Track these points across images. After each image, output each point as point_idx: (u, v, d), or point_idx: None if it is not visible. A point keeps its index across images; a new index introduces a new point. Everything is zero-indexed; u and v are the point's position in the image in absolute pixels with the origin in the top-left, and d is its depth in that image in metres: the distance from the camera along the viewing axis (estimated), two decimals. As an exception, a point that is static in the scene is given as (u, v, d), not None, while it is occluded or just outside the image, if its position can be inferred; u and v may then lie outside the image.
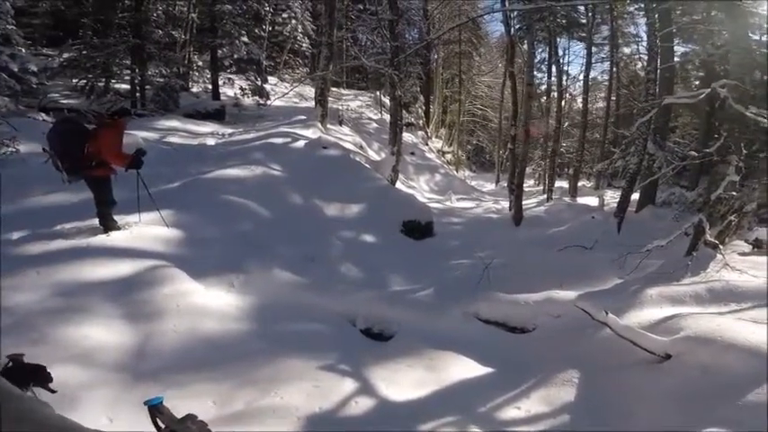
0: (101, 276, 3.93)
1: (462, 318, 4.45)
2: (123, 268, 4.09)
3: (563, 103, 18.28)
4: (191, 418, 0.93)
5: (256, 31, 15.12)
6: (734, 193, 5.13)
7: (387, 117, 14.74)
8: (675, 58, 11.67)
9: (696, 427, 2.45)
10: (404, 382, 3.45)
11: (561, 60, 18.13)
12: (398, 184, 10.77)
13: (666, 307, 3.85)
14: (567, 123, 20.11)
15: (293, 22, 17.33)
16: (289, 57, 18.78)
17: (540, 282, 4.91)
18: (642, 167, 9.34)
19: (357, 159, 9.88)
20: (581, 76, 16.05)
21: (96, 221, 4.66)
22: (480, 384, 3.49)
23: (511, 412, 3.15)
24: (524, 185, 11.00)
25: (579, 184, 15.68)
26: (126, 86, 11.18)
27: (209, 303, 4.05)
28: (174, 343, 3.50)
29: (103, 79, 10.69)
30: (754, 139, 5.57)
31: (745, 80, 5.14)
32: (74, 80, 10.57)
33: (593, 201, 11.73)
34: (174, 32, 13.38)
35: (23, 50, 7.39)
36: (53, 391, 1.05)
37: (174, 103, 11.34)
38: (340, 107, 15.89)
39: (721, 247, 4.76)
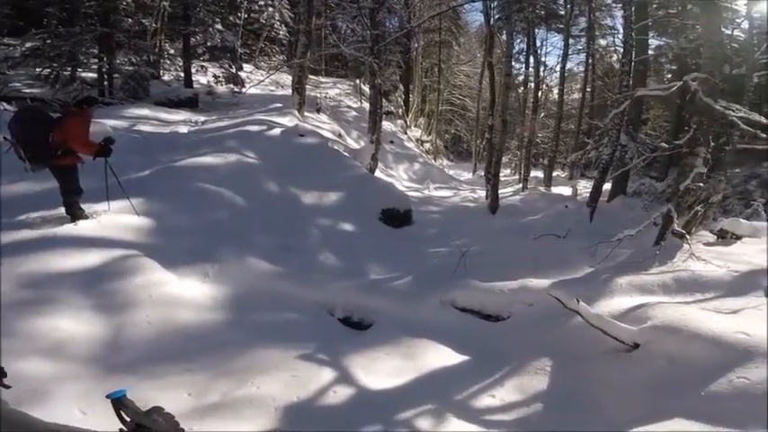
0: (69, 267, 3.81)
1: (439, 306, 4.49)
2: (92, 258, 3.97)
3: (539, 93, 18.52)
4: (157, 410, 0.90)
5: (231, 18, 14.71)
6: (701, 185, 5.29)
7: (366, 105, 14.62)
8: (650, 51, 11.98)
9: (663, 416, 2.52)
10: (382, 370, 3.46)
11: (539, 51, 18.36)
12: (377, 173, 10.74)
13: (635, 296, 3.95)
14: (543, 114, 20.42)
15: (270, 9, 16.86)
16: (265, 44, 18.31)
17: (515, 270, 5.00)
18: (615, 158, 9.59)
19: (335, 147, 9.78)
20: (558, 68, 16.33)
21: (63, 211, 4.51)
22: (457, 372, 3.54)
23: (486, 400, 3.20)
24: (501, 175, 11.18)
25: (554, 173, 16.03)
26: (93, 75, 10.81)
27: (183, 293, 3.98)
28: (147, 334, 3.43)
29: (69, 68, 10.34)
30: (722, 132, 5.76)
31: (716, 74, 5.29)
32: (37, 69, 10.14)
33: (566, 190, 12.01)
34: (144, 21, 12.89)
35: None
36: (7, 387, 0.99)
37: (144, 91, 11.07)
38: (318, 95, 15.65)
39: (688, 237, 4.91)
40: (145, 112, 9.47)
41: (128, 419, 0.86)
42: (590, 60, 17.09)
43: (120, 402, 0.87)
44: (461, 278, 4.98)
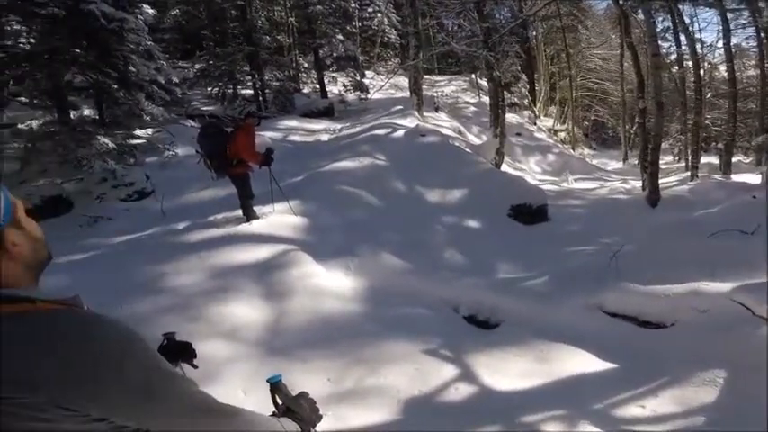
0: (245, 260, 4.54)
1: (583, 309, 4.06)
2: (262, 252, 4.68)
3: (702, 72, 15.45)
4: (303, 395, 0.99)
5: (348, 28, 15.72)
6: None
7: (485, 99, 14.12)
8: None
9: None
10: (509, 371, 3.33)
11: (690, 28, 15.34)
12: (504, 167, 10.27)
13: None
14: (710, 94, 17.02)
15: (379, 15, 17.58)
16: (381, 49, 19.14)
17: (683, 272, 4.18)
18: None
19: (456, 144, 9.68)
20: (719, 44, 13.41)
21: (240, 212, 5.44)
22: (598, 379, 3.20)
23: (633, 410, 2.84)
24: (661, 162, 9.57)
25: (733, 159, 13.15)
26: (250, 91, 12.45)
27: (329, 285, 4.43)
28: (300, 321, 3.87)
29: (231, 86, 12.08)
30: None
31: None
32: (208, 88, 12.13)
33: (752, 178, 9.73)
34: (279, 37, 14.55)
35: (164, 64, 8.23)
36: (196, 367, 1.17)
37: (291, 104, 12.51)
38: (434, 94, 15.70)
39: None
40: (293, 123, 10.80)
41: (280, 402, 0.96)
42: (761, 34, 13.59)
43: (275, 386, 0.97)
44: (612, 280, 4.38)
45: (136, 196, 6.84)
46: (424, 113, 12.37)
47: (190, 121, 9.46)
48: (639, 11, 11.84)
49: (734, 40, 14.53)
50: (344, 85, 15.05)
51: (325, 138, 9.93)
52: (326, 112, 12.77)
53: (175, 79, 8.97)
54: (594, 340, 3.61)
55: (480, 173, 8.07)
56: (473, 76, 19.17)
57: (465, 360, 3.43)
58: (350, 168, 7.27)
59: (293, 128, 10.40)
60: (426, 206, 7.01)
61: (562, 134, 19.98)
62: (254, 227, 5.21)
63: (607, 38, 22.96)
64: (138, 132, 7.80)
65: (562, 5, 18.38)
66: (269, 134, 8.55)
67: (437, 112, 14.05)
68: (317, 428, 1.00)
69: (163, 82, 7.79)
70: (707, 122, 16.19)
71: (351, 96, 14.79)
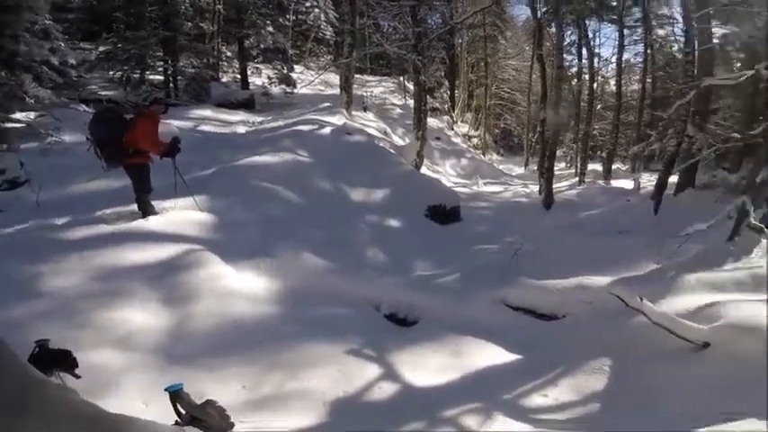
0: (139, 260, 4.09)
1: (489, 304, 4.39)
2: (161, 252, 4.25)
3: (595, 85, 17.59)
4: (210, 403, 0.93)
5: (280, 20, 15.17)
6: (779, 176, 4.80)
7: (411, 102, 14.57)
8: (714, 40, 11.03)
9: (733, 417, 2.34)
10: (428, 367, 3.45)
11: (592, 43, 17.45)
12: (424, 169, 10.69)
13: (706, 293, 3.67)
14: (599, 106, 19.36)
15: (316, 10, 17.29)
16: (313, 45, 18.79)
17: (572, 268, 4.77)
18: (681, 150, 8.90)
19: (381, 145, 9.86)
20: (613, 59, 15.42)
21: (135, 207, 4.89)
22: (506, 371, 3.46)
23: (538, 400, 3.11)
24: (555, 169, 10.69)
25: (613, 167, 15.15)
26: (160, 77, 11.48)
27: (240, 287, 4.15)
28: (207, 326, 3.59)
29: (138, 71, 11.03)
30: (800, 121, 5.20)
31: None
32: (110, 72, 10.95)
33: (628, 184, 11.29)
34: (202, 24, 13.62)
35: (62, 44, 7.58)
36: (78, 377, 1.06)
37: (206, 92, 11.62)
38: (364, 93, 15.81)
39: (766, 231, 4.48)
40: (207, 113, 10.01)
41: (183, 412, 0.89)
42: (648, 51, 15.99)
43: (176, 395, 0.90)
44: (513, 276, 4.83)
45: (6, 186, 5.91)
46: (353, 112, 12.35)
47: (83, 105, 8.42)
48: (553, 24, 13.07)
49: (626, 56, 16.55)
50: (269, 78, 14.41)
51: (242, 130, 9.35)
52: (246, 104, 12.10)
53: (72, 61, 7.98)
54: (501, 333, 3.92)
55: (402, 174, 8.30)
56: (401, 78, 19.56)
57: (387, 358, 3.49)
58: (269, 163, 6.96)
59: (206, 117, 9.64)
60: (350, 205, 7.01)
61: (475, 140, 21.32)
62: (150, 224, 4.70)
63: (522, 49, 24.96)
64: (18, 116, 6.90)
65: (488, 15, 19.63)
66: (176, 123, 7.84)
67: (365, 111, 14.11)
68: None
69: (57, 63, 7.08)
70: (595, 132, 18.34)
71: (275, 89, 14.22)
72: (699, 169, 9.84)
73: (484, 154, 20.39)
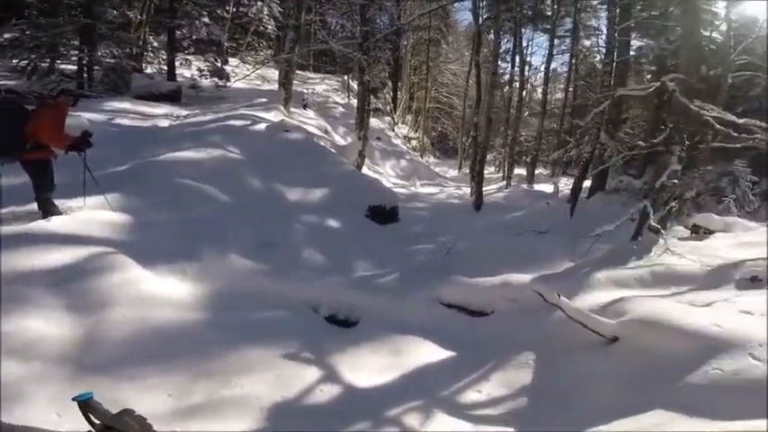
0: (41, 264, 3.67)
1: (426, 302, 4.52)
2: (66, 255, 3.84)
3: (524, 93, 18.76)
4: (127, 412, 0.88)
5: (219, 12, 14.52)
6: (676, 182, 5.45)
7: (354, 102, 14.55)
8: (631, 52, 12.25)
9: (642, 408, 2.57)
10: (369, 367, 3.47)
11: (525, 51, 18.59)
12: (364, 169, 10.74)
13: (614, 290, 4.05)
14: (527, 113, 20.69)
15: (259, 3, 16.65)
16: (252, 38, 18.09)
17: (499, 266, 5.06)
18: (594, 156, 9.79)
19: (321, 144, 9.74)
20: (542, 67, 16.53)
21: (35, 206, 4.37)
22: (443, 369, 3.57)
23: (472, 396, 3.24)
24: (485, 172, 11.28)
25: (536, 171, 16.27)
26: (73, 67, 10.47)
27: (162, 292, 3.88)
28: (123, 334, 3.33)
29: (48, 60, 10.02)
30: (697, 132, 5.91)
31: (693, 75, 5.44)
32: (14, 60, 9.81)
33: (548, 188, 12.20)
34: (129, 12, 12.61)
35: None
36: None
37: (125, 84, 10.81)
38: (305, 90, 15.50)
39: (663, 232, 5.07)
40: (125, 105, 9.25)
41: (96, 422, 0.85)
42: (574, 61, 17.39)
43: (86, 404, 0.85)
44: (447, 275, 5.01)
45: None
46: (292, 109, 12.04)
47: None
48: (492, 31, 13.68)
49: (553, 65, 17.88)
50: (200, 70, 13.63)
51: (164, 124, 8.69)
52: (171, 97, 11.34)
53: None
54: (437, 331, 4.05)
55: (343, 173, 8.26)
56: (346, 77, 19.43)
57: (327, 360, 3.46)
58: (194, 159, 6.56)
59: (124, 110, 8.85)
60: (286, 204, 6.82)
61: (414, 142, 21.84)
62: (53, 225, 4.23)
63: (461, 54, 25.91)
64: None
65: (434, 18, 20.10)
66: (89, 115, 7.12)
67: (305, 108, 13.82)
68: None
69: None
70: (521, 138, 19.59)
71: (206, 82, 13.47)
72: (609, 174, 10.93)
73: (422, 156, 20.95)
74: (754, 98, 11.82)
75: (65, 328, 3.22)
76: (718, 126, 5.11)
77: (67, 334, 3.19)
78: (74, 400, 0.85)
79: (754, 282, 3.82)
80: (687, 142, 5.46)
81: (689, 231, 6.04)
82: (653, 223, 5.07)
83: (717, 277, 4.04)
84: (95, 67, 10.56)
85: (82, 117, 6.60)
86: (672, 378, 2.70)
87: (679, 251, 4.70)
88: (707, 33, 9.54)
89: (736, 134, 5.14)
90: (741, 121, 5.10)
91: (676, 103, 5.22)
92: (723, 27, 9.72)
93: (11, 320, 3.09)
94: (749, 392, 2.37)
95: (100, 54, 10.62)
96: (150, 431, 0.88)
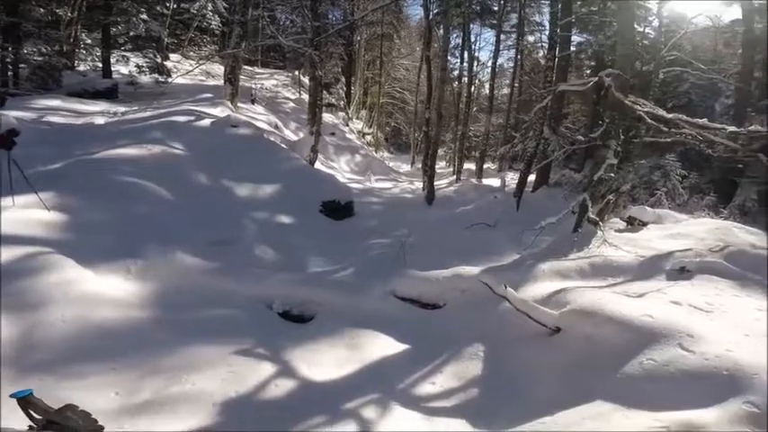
0: None
1: (381, 296, 4.58)
2: None
3: (473, 88, 19.24)
4: (70, 408, 0.89)
5: (158, 8, 13.77)
6: (612, 175, 5.76)
7: (306, 97, 14.29)
8: (572, 48, 12.87)
9: (584, 399, 2.69)
10: (325, 362, 3.49)
11: (473, 47, 19.01)
12: (318, 165, 10.62)
13: (556, 281, 4.24)
14: (475, 108, 21.27)
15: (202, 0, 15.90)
16: (195, 34, 17.28)
17: (450, 258, 5.22)
18: (538, 151, 10.25)
19: (271, 139, 9.50)
20: (489, 63, 17.01)
21: None
22: (399, 362, 3.64)
23: (427, 388, 3.32)
24: (437, 167, 11.52)
25: (485, 166, 16.79)
26: None
27: (103, 291, 3.77)
28: (64, 333, 3.24)
29: None
30: (631, 126, 6.26)
31: (627, 70, 5.71)
32: None
33: (496, 182, 12.66)
34: (59, 10, 11.75)
35: None
36: None
37: (56, 81, 10.30)
38: (253, 86, 15.03)
39: (601, 224, 5.37)
40: (56, 103, 8.66)
41: (38, 417, 0.85)
42: (519, 56, 18.00)
43: (26, 400, 0.85)
44: (401, 268, 5.10)
45: None
46: (239, 105, 11.64)
47: None
48: (441, 26, 13.83)
49: (500, 60, 18.29)
50: (138, 66, 12.86)
51: (100, 121, 8.15)
52: (107, 93, 10.79)
53: None
54: (392, 324, 4.13)
55: (294, 169, 8.14)
56: (296, 72, 19.02)
57: (282, 356, 3.45)
58: (133, 156, 6.27)
59: (55, 108, 8.26)
60: (235, 201, 6.63)
61: (369, 137, 21.83)
62: None
63: (413, 50, 26.06)
64: None
65: (387, 13, 20.02)
66: (15, 113, 6.56)
67: (253, 104, 13.42)
68: None
69: None
70: (470, 133, 20.11)
71: (146, 78, 12.73)
72: (552, 169, 11.50)
73: (376, 151, 21.00)
74: (682, 94, 12.86)
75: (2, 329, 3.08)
76: (650, 121, 5.36)
77: (4, 335, 3.06)
78: (12, 396, 0.86)
79: (682, 272, 4.03)
80: (622, 137, 5.78)
81: (625, 223, 6.42)
82: (592, 216, 5.36)
83: (649, 268, 4.26)
84: (21, 65, 9.97)
85: (7, 115, 6.06)
86: (610, 368, 2.82)
87: (616, 243, 4.97)
88: (641, 29, 10.18)
89: (666, 129, 5.40)
90: (670, 116, 5.39)
91: (612, 98, 5.45)
92: (655, 23, 10.37)
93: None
94: (680, 382, 2.51)
95: (26, 52, 10.06)
96: (95, 426, 0.90)
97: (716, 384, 2.39)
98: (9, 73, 9.72)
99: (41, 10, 10.96)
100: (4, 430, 0.71)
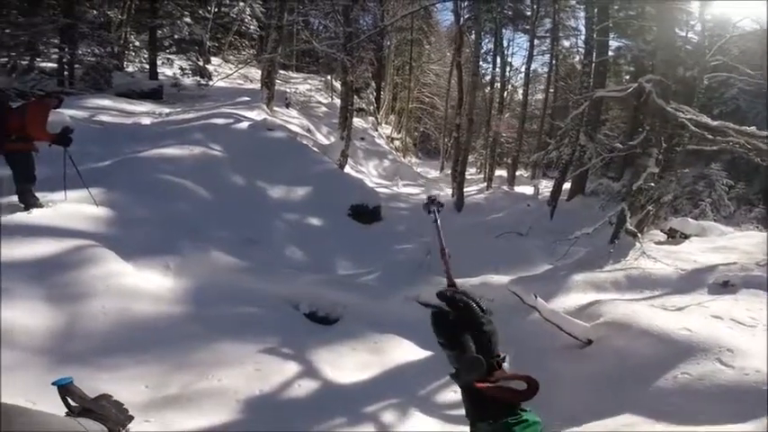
0: (21, 256, 3.64)
1: (404, 302, 4.55)
2: (46, 247, 3.82)
3: (505, 94, 18.91)
4: (105, 397, 0.90)
5: (201, 12, 14.45)
6: (653, 185, 5.52)
7: (337, 102, 14.53)
8: (610, 53, 12.44)
9: (612, 412, 2.62)
10: (348, 365, 3.50)
11: (506, 52, 18.71)
12: (347, 169, 10.73)
13: (590, 293, 4.11)
14: (508, 114, 20.91)
15: (241, 4, 16.50)
16: (235, 38, 17.96)
17: (478, 266, 5.14)
18: (574, 158, 9.95)
19: (304, 142, 9.69)
20: (523, 68, 16.68)
21: (16, 199, 4.36)
22: (421, 368, 3.61)
23: (448, 395, 3.27)
24: (466, 173, 11.40)
25: (517, 173, 16.44)
26: (53, 65, 10.37)
27: (142, 285, 3.89)
28: (102, 325, 3.35)
29: (27, 58, 9.95)
30: (673, 134, 5.98)
31: (669, 76, 5.48)
32: None
33: (528, 189, 12.40)
34: (110, 12, 12.53)
35: None
36: None
37: (107, 82, 10.78)
38: (288, 90, 15.41)
39: (640, 235, 5.14)
40: (106, 102, 9.14)
41: (75, 405, 0.86)
42: (554, 61, 17.58)
43: (65, 389, 0.86)
44: (427, 275, 5.06)
45: None
46: (275, 108, 11.97)
47: None
48: (473, 31, 13.72)
49: (533, 66, 17.73)
50: (182, 69, 13.46)
51: (146, 121, 8.62)
52: (153, 95, 11.27)
53: None
54: (415, 330, 4.04)
55: (325, 172, 8.27)
56: (329, 77, 19.35)
57: (306, 356, 3.47)
58: (175, 156, 6.53)
59: (105, 107, 8.74)
60: (268, 202, 6.81)
61: (397, 142, 21.85)
62: (34, 217, 4.23)
63: (443, 55, 25.98)
64: None
65: (416, 19, 20.12)
66: (70, 112, 7.01)
67: (288, 108, 13.74)
68: (132, 430, 0.91)
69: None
70: (502, 140, 19.79)
71: (188, 81, 13.30)
72: (588, 177, 11.14)
73: (404, 156, 20.99)
74: (729, 100, 12.17)
75: (44, 319, 3.21)
76: (693, 128, 5.13)
77: (47, 325, 3.18)
78: (53, 384, 0.87)
79: (725, 287, 3.86)
80: (664, 145, 5.54)
81: (665, 235, 6.15)
82: (630, 227, 5.15)
83: (690, 281, 4.09)
84: (76, 66, 10.49)
85: (63, 114, 6.49)
86: (642, 381, 2.74)
87: (655, 255, 4.77)
88: (683, 33, 9.72)
89: (711, 137, 5.16)
90: (716, 123, 5.15)
91: (653, 104, 5.25)
92: (698, 27, 9.87)
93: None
94: (715, 397, 2.42)
95: (81, 52, 10.57)
96: (127, 416, 0.90)
97: (753, 400, 2.27)
98: (65, 73, 10.29)
99: (94, 12, 11.55)
100: (42, 414, 0.74)
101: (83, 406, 0.86)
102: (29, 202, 4.34)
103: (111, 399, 0.90)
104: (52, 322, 3.21)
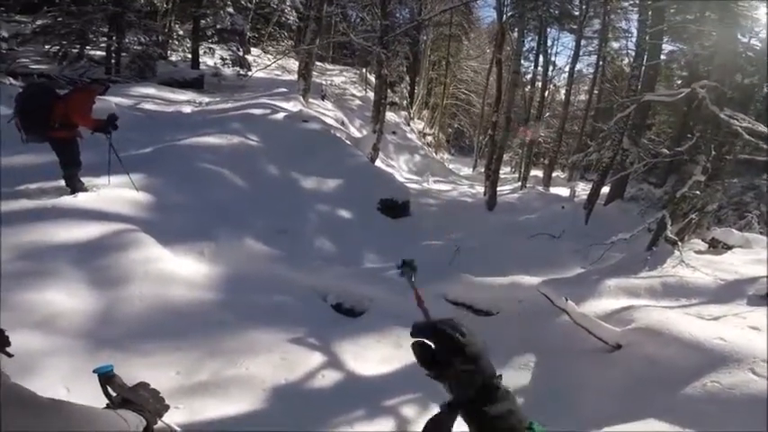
0: (66, 239, 3.81)
1: (432, 298, 4.51)
2: (90, 231, 3.98)
3: (546, 93, 18.38)
4: (143, 386, 0.92)
5: (242, 2, 14.73)
6: (698, 193, 5.29)
7: (371, 95, 14.57)
8: (662, 57, 11.85)
9: (636, 417, 2.55)
10: (372, 357, 3.52)
11: (549, 51, 18.16)
12: (378, 163, 10.77)
13: (622, 298, 3.98)
14: (548, 114, 20.32)
15: (281, -6, 16.79)
16: (274, 29, 18.28)
17: (508, 266, 5.06)
18: (615, 162, 9.59)
19: (338, 135, 9.79)
20: (567, 68, 16.16)
21: (62, 183, 4.56)
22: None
23: (468, 393, 3.25)
24: (500, 172, 11.19)
25: (554, 174, 15.99)
26: (101, 53, 10.86)
27: (178, 271, 3.99)
28: (139, 310, 3.44)
29: (78, 46, 10.44)
30: (725, 141, 5.69)
31: (725, 82, 5.24)
32: (46, 46, 10.21)
33: (564, 191, 12.04)
34: (156, 1, 13.03)
35: None
36: (10, 355, 0.99)
37: (151, 70, 11.17)
38: (324, 82, 15.57)
39: (680, 244, 4.92)
40: (150, 90, 9.48)
41: (114, 394, 0.87)
42: (600, 63, 16.93)
43: (106, 377, 0.87)
44: (454, 272, 5.02)
45: None
46: (310, 100, 12.15)
47: (11, 78, 7.83)
48: (516, 29, 13.42)
49: (578, 66, 17.14)
50: (223, 59, 13.85)
51: (187, 110, 8.91)
52: (194, 84, 11.62)
53: (4, 33, 7.31)
54: (439, 326, 4.07)
55: (357, 165, 8.32)
56: (364, 70, 19.44)
57: (332, 348, 3.51)
58: (214, 145, 6.71)
59: (149, 95, 9.09)
60: (301, 193, 6.92)
61: (429, 138, 21.70)
62: (79, 200, 4.41)
63: (482, 51, 25.50)
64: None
65: (455, 14, 19.86)
66: (115, 99, 7.33)
67: (323, 100, 13.90)
68: (166, 419, 0.93)
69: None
70: (540, 139, 19.26)
71: (228, 71, 13.67)
72: (629, 182, 10.71)
73: (436, 152, 20.83)
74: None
75: (85, 302, 3.33)
76: (747, 137, 4.89)
77: (87, 308, 3.29)
78: (94, 372, 0.88)
79: (766, 298, 3.67)
80: (713, 152, 5.28)
81: (706, 245, 5.86)
82: (670, 234, 4.95)
83: (729, 291, 3.92)
84: (123, 54, 10.89)
85: (109, 101, 6.80)
86: (670, 388, 2.67)
87: (694, 264, 4.56)
88: (745, 40, 9.13)
89: (766, 146, 4.94)
90: None
91: (705, 111, 5.04)
92: (763, 34, 9.27)
93: (36, 292, 3.22)
94: (745, 406, 2.34)
95: (127, 41, 10.96)
96: (163, 404, 0.92)
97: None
98: (112, 61, 10.69)
99: (141, 0, 11.89)
100: (83, 407, 0.75)
101: (122, 395, 0.87)
102: (75, 187, 4.55)
103: (149, 387, 0.92)
104: (91, 306, 3.31)
